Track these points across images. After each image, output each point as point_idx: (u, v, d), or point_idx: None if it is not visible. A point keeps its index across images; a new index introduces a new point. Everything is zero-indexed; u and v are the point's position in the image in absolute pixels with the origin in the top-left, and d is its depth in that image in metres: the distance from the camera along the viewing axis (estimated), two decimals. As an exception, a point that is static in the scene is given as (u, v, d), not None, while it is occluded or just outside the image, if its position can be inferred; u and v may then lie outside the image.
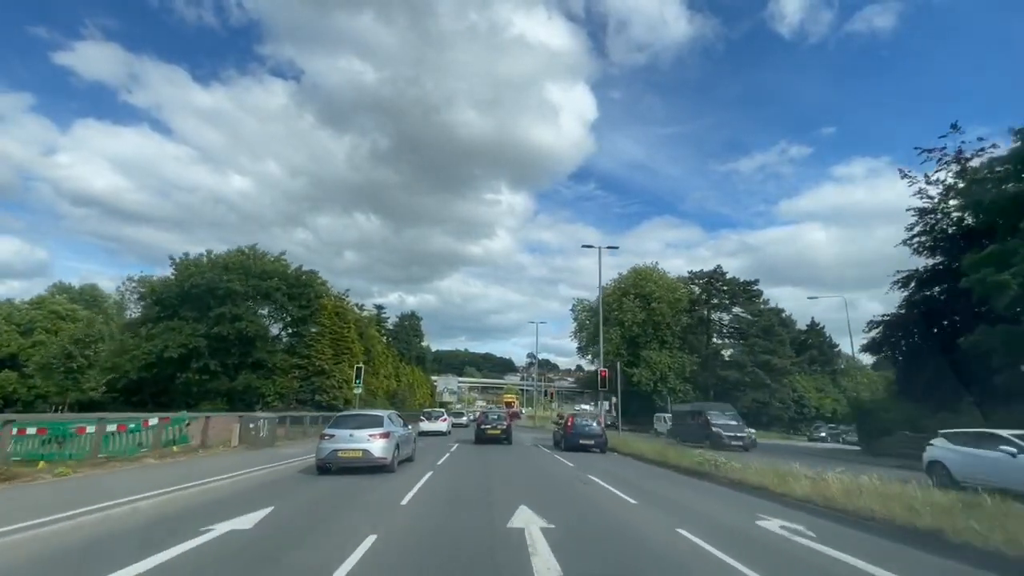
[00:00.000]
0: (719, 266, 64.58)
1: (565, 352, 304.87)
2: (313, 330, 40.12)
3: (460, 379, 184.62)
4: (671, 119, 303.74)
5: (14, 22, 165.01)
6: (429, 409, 41.26)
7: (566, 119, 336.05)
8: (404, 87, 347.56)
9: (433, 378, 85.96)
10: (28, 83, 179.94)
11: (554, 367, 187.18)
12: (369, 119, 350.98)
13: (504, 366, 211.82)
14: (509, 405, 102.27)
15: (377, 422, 12.67)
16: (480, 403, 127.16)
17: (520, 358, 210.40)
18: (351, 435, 11.98)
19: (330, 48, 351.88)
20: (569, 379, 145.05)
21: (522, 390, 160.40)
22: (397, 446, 12.99)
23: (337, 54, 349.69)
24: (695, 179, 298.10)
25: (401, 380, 62.77)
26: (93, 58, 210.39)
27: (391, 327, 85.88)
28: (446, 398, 72.81)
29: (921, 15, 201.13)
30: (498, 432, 25.14)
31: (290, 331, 42.49)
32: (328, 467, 11.92)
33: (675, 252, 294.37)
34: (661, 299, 59.13)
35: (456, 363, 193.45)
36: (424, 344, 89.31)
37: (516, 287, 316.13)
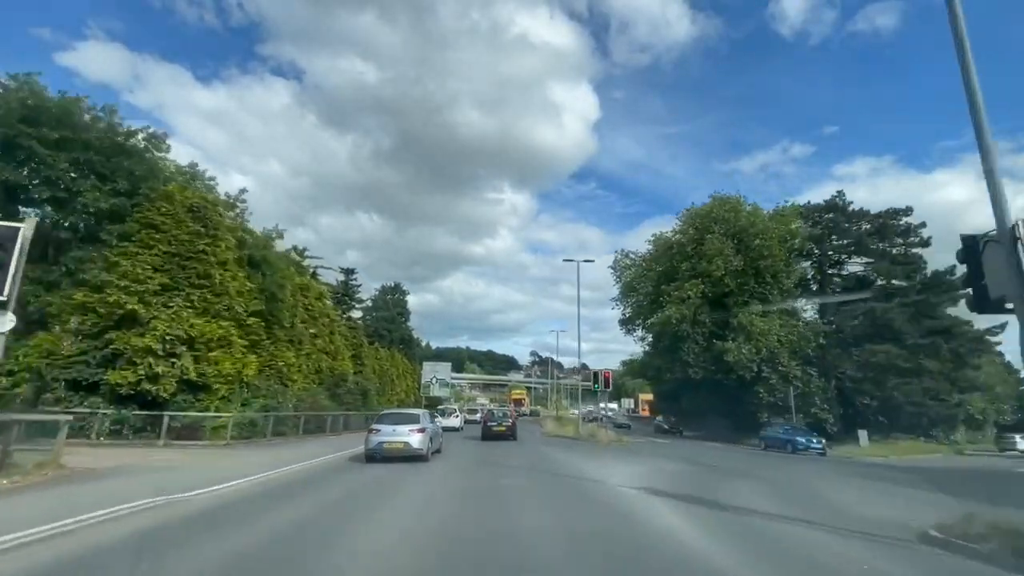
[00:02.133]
0: (840, 192, 43.33)
1: (566, 352, 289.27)
2: (129, 241, 18.89)
3: (461, 375, 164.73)
4: (673, 119, 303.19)
5: (18, 24, 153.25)
6: (443, 407, 42.73)
7: (569, 119, 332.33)
8: (406, 87, 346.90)
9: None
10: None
11: (558, 365, 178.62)
12: (371, 119, 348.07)
13: (507, 364, 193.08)
14: (518, 403, 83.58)
15: (415, 419, 14.83)
16: (481, 401, 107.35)
17: (523, 357, 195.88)
18: (394, 430, 14.07)
19: (332, 48, 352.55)
20: (576, 377, 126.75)
21: (529, 387, 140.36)
22: (431, 439, 14.95)
23: (339, 54, 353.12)
24: (697, 179, 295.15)
25: (364, 364, 42.02)
26: (96, 58, 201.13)
27: (367, 300, 65.33)
28: (435, 392, 51.69)
29: (923, 14, 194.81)
30: (503, 429, 25.44)
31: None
32: (375, 456, 13.79)
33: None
34: (767, 235, 37.70)
35: (456, 360, 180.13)
36: (410, 325, 68.42)
37: (518, 287, 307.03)
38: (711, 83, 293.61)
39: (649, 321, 43.20)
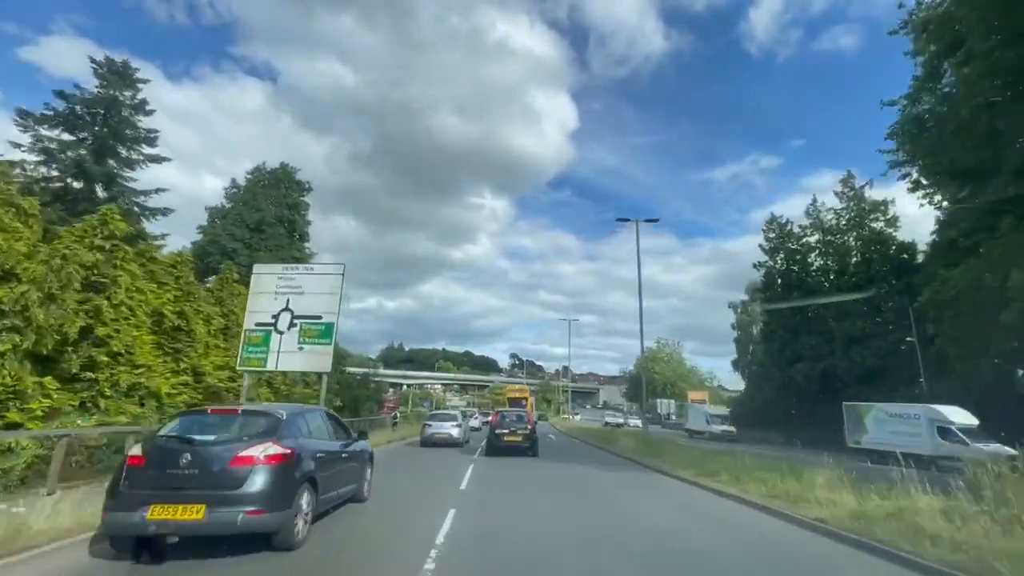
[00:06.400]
0: None
1: (545, 357, 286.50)
2: None
3: (435, 374, 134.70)
4: (647, 129, 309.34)
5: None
6: (463, 409, 48.71)
7: (548, 127, 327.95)
8: (385, 90, 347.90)
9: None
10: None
11: (539, 368, 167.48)
12: (350, 122, 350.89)
13: (487, 365, 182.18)
14: (517, 403, 52.15)
15: (455, 418, 23.89)
16: (454, 403, 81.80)
17: (502, 361, 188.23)
18: (441, 425, 22.57)
19: (308, 50, 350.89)
20: (564, 380, 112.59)
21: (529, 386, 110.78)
22: (465, 432, 23.93)
23: (316, 56, 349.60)
24: (670, 188, 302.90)
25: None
26: (62, 53, 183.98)
27: (225, 192, 34.45)
28: (290, 364, 15.31)
29: (881, 36, 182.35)
30: (519, 439, 18.05)
31: None
32: (427, 443, 21.70)
33: (651, 259, 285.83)
34: None
35: (432, 360, 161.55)
36: (308, 219, 37.76)
37: (496, 292, 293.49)
38: (684, 96, 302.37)
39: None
